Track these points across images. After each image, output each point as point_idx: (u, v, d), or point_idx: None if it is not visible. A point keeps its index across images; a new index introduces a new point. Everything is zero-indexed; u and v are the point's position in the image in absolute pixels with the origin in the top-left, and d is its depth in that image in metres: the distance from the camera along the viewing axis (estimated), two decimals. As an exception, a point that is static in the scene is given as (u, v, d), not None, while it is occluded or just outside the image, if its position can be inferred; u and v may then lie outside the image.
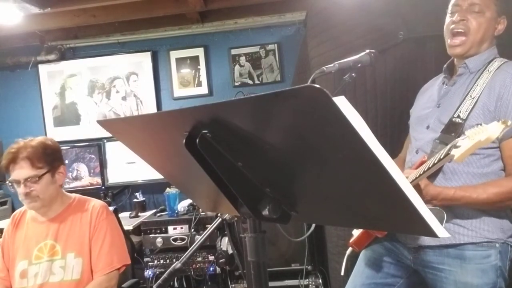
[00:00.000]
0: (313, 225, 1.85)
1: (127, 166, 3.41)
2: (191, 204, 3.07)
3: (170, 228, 2.98)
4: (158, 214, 3.21)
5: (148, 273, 2.96)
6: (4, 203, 3.47)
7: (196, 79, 3.61)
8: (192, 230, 2.93)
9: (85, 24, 3.43)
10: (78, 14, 3.27)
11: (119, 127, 0.99)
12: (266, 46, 3.53)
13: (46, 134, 3.65)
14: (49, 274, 1.75)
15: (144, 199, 3.43)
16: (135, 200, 3.39)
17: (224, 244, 2.78)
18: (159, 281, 1.26)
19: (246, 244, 0.90)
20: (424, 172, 1.31)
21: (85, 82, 3.67)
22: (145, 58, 3.61)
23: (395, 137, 2.07)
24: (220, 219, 1.38)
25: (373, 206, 0.73)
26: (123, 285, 2.09)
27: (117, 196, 3.63)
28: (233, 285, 2.95)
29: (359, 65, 1.48)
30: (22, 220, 1.86)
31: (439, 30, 1.53)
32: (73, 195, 1.91)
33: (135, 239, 2.92)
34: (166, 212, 3.13)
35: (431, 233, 0.67)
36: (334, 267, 2.48)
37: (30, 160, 1.69)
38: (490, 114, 1.33)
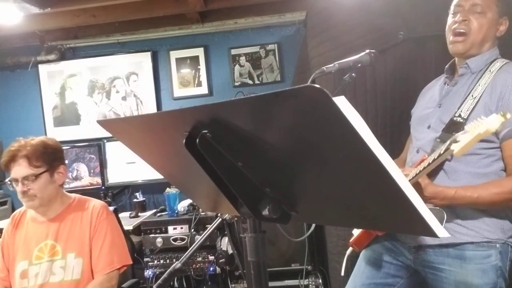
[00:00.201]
0: (313, 225, 1.85)
1: (127, 166, 3.41)
2: (191, 204, 3.07)
3: (170, 228, 2.98)
4: (158, 214, 3.21)
5: (148, 273, 2.96)
6: (4, 203, 3.47)
7: (196, 79, 3.61)
8: (192, 230, 2.92)
9: (85, 24, 3.43)
10: (78, 14, 3.27)
11: (119, 127, 0.99)
12: (266, 46, 3.53)
13: (46, 134, 3.65)
14: (49, 274, 1.75)
15: (144, 199, 3.43)
16: (135, 200, 3.39)
17: (224, 244, 2.78)
18: (159, 281, 1.26)
19: (246, 244, 0.90)
20: (424, 168, 1.32)
21: (85, 82, 3.67)
22: (145, 58, 3.61)
23: (395, 137, 2.07)
24: (220, 219, 1.38)
25: (373, 206, 0.73)
26: (123, 285, 2.09)
27: (117, 196, 3.63)
28: (233, 285, 2.95)
29: (359, 65, 1.48)
30: (22, 220, 1.86)
31: (439, 30, 1.54)
32: (73, 195, 1.91)
33: (135, 239, 2.92)
34: (166, 212, 3.13)
35: (431, 233, 0.67)
36: (334, 267, 2.48)
37: (28, 159, 1.69)
38: (491, 114, 1.33)
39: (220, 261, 2.51)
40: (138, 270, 3.02)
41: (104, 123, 0.92)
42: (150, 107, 3.64)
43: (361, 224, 0.97)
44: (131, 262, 1.89)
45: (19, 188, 1.70)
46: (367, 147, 0.59)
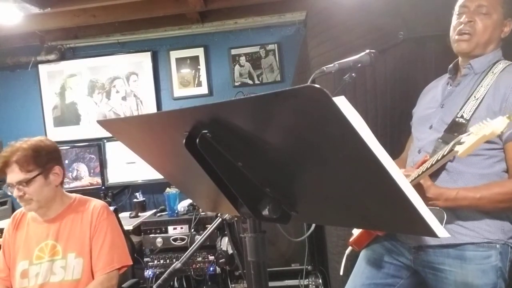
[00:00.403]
0: (313, 225, 1.85)
1: (127, 166, 3.41)
2: (191, 204, 3.07)
3: (170, 228, 2.98)
4: (158, 214, 3.21)
5: (148, 273, 2.96)
6: (4, 203, 3.47)
7: (196, 79, 3.61)
8: (192, 230, 2.93)
9: (85, 24, 3.43)
10: (78, 14, 3.27)
11: (119, 127, 0.99)
12: (266, 46, 3.53)
13: (46, 134, 3.65)
14: (49, 274, 1.76)
15: (144, 199, 3.43)
16: (135, 200, 3.39)
17: (224, 244, 2.78)
18: (159, 281, 1.26)
19: (246, 244, 0.90)
20: (427, 169, 1.31)
21: (85, 82, 3.67)
22: (145, 58, 3.61)
23: (395, 137, 2.07)
24: (220, 219, 1.38)
25: (373, 206, 0.73)
26: (123, 285, 2.09)
27: (117, 196, 3.63)
28: (233, 285, 2.95)
29: (359, 65, 1.48)
30: (22, 220, 1.86)
31: (439, 30, 1.54)
32: (74, 195, 1.91)
33: (135, 239, 2.92)
34: (166, 212, 3.13)
35: (431, 233, 0.67)
36: (334, 267, 2.48)
37: (19, 164, 1.68)
38: (494, 115, 1.32)
39: (220, 261, 2.51)
40: (138, 270, 3.02)
41: (104, 123, 0.92)
42: (150, 107, 3.64)
43: (361, 224, 0.97)
44: (131, 263, 1.89)
45: (15, 193, 1.71)
46: (367, 147, 0.59)
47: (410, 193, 0.64)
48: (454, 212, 1.37)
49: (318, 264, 2.91)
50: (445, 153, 1.26)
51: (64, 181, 1.87)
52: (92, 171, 3.48)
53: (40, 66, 3.67)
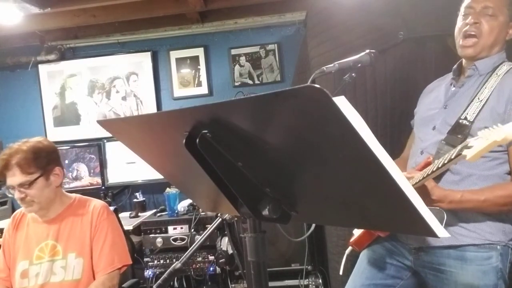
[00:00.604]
0: (313, 225, 1.85)
1: (127, 166, 3.41)
2: (191, 204, 3.07)
3: (170, 228, 2.98)
4: (158, 214, 3.21)
5: (148, 273, 2.96)
6: (4, 203, 3.46)
7: (196, 79, 3.61)
8: (192, 230, 2.92)
9: (85, 24, 3.43)
10: (78, 14, 3.27)
11: (119, 127, 0.99)
12: (266, 46, 3.53)
13: (46, 134, 3.65)
14: (50, 274, 1.76)
15: (144, 199, 3.43)
16: (135, 200, 3.39)
17: (224, 244, 2.78)
18: (159, 281, 1.26)
19: (246, 244, 0.90)
20: (432, 172, 1.30)
21: (85, 82, 3.67)
22: (145, 58, 3.61)
23: (395, 137, 2.07)
24: (220, 219, 1.38)
25: (373, 206, 0.73)
26: (123, 285, 2.09)
27: (117, 196, 3.63)
28: (233, 285, 2.95)
29: (359, 65, 1.48)
30: (22, 220, 1.86)
31: (439, 30, 1.54)
32: (74, 195, 1.91)
33: (135, 239, 2.92)
34: (166, 212, 3.13)
35: (431, 233, 0.67)
36: (334, 267, 2.48)
37: (20, 167, 1.67)
38: (499, 117, 1.32)
39: (220, 261, 2.52)
40: (138, 270, 3.02)
41: (104, 123, 0.92)
42: (150, 107, 3.64)
43: (361, 224, 0.97)
44: (131, 262, 1.89)
45: (16, 195, 1.70)
46: (367, 147, 0.59)
47: (410, 193, 0.64)
48: (455, 213, 1.37)
49: (318, 264, 2.91)
50: (452, 157, 1.23)
51: (64, 181, 1.87)
52: (92, 171, 3.48)
53: (40, 66, 3.67)
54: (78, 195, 1.92)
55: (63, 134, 3.66)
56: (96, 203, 1.87)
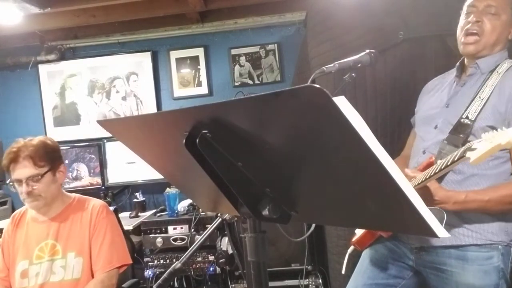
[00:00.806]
0: (313, 225, 1.85)
1: (127, 166, 3.41)
2: (191, 204, 3.07)
3: (170, 228, 2.98)
4: (158, 214, 3.21)
5: (148, 273, 2.96)
6: (4, 203, 3.46)
7: (196, 79, 3.61)
8: (192, 230, 2.92)
9: (85, 24, 3.43)
10: (78, 14, 3.27)
11: (119, 127, 0.99)
12: (266, 46, 3.53)
13: (46, 134, 3.65)
14: (49, 273, 1.76)
15: (144, 199, 3.43)
16: (135, 200, 3.39)
17: (224, 244, 2.78)
18: (159, 281, 1.26)
19: (246, 244, 0.90)
20: (435, 173, 1.28)
21: (85, 82, 3.67)
22: (145, 58, 3.61)
23: (395, 137, 2.07)
24: (220, 219, 1.38)
25: (373, 206, 0.73)
26: (123, 285, 2.09)
27: (117, 196, 3.63)
28: (233, 285, 2.95)
29: (359, 65, 1.48)
30: (22, 220, 1.86)
31: (439, 30, 1.53)
32: (73, 195, 1.91)
33: (135, 239, 2.92)
34: (166, 212, 3.13)
35: (431, 233, 0.67)
36: (334, 267, 2.48)
37: (32, 159, 1.69)
38: (500, 116, 1.32)
39: (220, 261, 2.52)
40: (138, 270, 3.02)
41: (104, 123, 0.92)
42: (150, 107, 3.64)
43: (361, 224, 0.97)
44: (130, 262, 1.89)
45: (23, 188, 1.70)
46: (367, 147, 0.59)
47: (410, 193, 0.64)
48: (457, 213, 1.36)
49: (318, 264, 2.91)
50: (455, 159, 1.22)
51: (64, 181, 1.88)
52: (92, 171, 3.48)
53: (40, 66, 3.67)
54: (77, 195, 1.92)
55: (63, 134, 3.66)
56: (95, 203, 1.88)
